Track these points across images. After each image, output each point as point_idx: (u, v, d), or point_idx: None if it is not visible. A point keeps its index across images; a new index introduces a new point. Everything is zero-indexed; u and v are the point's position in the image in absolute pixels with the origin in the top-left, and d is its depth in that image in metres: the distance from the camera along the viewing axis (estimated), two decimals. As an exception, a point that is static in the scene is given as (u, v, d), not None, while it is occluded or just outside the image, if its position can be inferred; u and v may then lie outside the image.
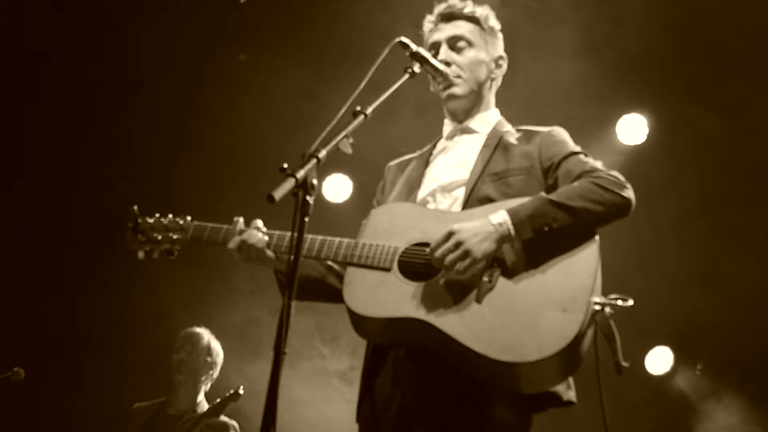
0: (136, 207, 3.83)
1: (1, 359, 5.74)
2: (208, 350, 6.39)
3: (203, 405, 6.27)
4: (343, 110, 3.03)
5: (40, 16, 6.78)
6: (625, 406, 6.46)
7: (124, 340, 7.43)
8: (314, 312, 7.51)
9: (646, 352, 8.05)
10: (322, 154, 2.83)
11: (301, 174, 2.68)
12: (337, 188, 7.83)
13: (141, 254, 3.82)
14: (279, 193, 2.61)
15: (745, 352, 7.74)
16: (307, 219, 2.68)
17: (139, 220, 3.82)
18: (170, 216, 3.83)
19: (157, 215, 3.84)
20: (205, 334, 6.44)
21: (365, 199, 6.52)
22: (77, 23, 6.83)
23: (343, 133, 2.99)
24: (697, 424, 8.13)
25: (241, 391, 5.86)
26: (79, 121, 7.18)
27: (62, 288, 7.45)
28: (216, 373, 6.44)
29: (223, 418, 6.06)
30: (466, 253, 3.16)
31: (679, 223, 7.38)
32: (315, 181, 2.73)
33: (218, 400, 5.92)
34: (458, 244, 3.17)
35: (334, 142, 2.94)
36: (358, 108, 3.10)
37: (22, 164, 7.29)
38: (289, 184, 2.65)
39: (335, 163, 7.25)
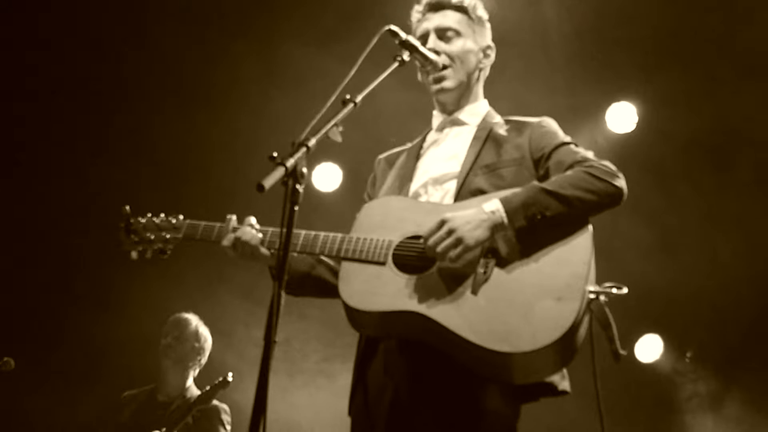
0: (128, 207, 3.82)
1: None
2: (196, 336, 6.39)
3: (192, 390, 6.28)
4: (332, 99, 3.03)
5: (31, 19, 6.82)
6: (616, 393, 6.47)
7: (114, 329, 7.41)
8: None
9: (634, 339, 8.10)
10: (312, 142, 2.82)
11: (290, 163, 2.68)
12: (327, 177, 7.81)
13: (134, 254, 3.81)
14: (269, 182, 2.61)
15: (736, 337, 7.77)
16: (296, 208, 2.68)
17: (131, 220, 3.81)
18: (162, 215, 3.83)
19: (149, 215, 3.84)
20: (193, 320, 6.45)
21: (355, 187, 6.51)
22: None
23: (332, 122, 2.99)
24: (687, 411, 8.15)
25: (230, 378, 5.87)
26: (69, 121, 7.20)
27: (52, 278, 7.46)
28: (204, 359, 6.44)
29: (214, 402, 6.06)
30: (459, 241, 3.16)
31: (669, 211, 7.41)
32: (305, 170, 2.72)
33: (208, 388, 5.93)
34: (450, 232, 3.17)
35: (323, 131, 2.93)
36: (348, 96, 3.10)
37: (17, 163, 7.31)
38: (279, 172, 2.65)
39: (325, 151, 7.24)
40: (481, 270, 3.19)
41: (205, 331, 6.46)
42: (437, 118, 3.85)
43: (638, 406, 7.94)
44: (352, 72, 3.11)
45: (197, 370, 6.41)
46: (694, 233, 7.51)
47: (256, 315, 7.60)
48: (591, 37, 6.85)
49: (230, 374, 5.91)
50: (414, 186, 3.63)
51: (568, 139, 3.58)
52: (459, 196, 3.46)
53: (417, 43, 3.53)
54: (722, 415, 7.99)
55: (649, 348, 8.21)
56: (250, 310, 7.69)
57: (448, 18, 3.75)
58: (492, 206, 3.22)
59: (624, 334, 3.18)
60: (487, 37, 3.87)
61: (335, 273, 3.54)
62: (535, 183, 3.33)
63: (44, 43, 6.89)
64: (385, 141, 4.12)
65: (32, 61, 6.93)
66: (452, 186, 3.52)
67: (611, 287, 3.16)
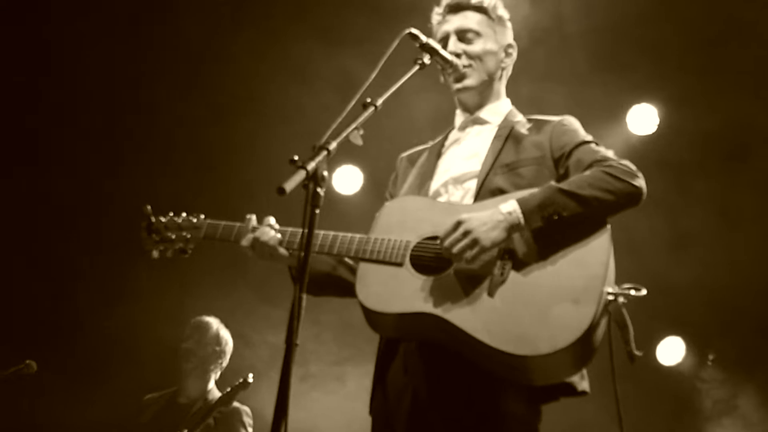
0: (149, 207, 3.83)
1: (13, 352, 5.77)
2: (217, 339, 6.41)
3: (214, 393, 6.29)
4: (353, 102, 3.03)
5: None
6: (637, 395, 6.45)
7: (136, 331, 7.46)
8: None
9: (653, 341, 8.05)
10: (333, 145, 2.82)
11: (311, 166, 2.68)
12: (348, 180, 7.79)
13: (155, 253, 3.82)
14: (289, 185, 2.61)
15: (757, 339, 7.74)
16: (317, 211, 2.68)
17: (153, 220, 3.82)
18: (183, 214, 3.84)
19: (171, 214, 3.85)
20: (214, 323, 6.47)
21: (376, 190, 6.47)
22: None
23: (353, 125, 2.99)
24: (710, 415, 8.11)
25: (251, 380, 5.87)
26: (88, 121, 7.22)
27: (74, 280, 7.50)
28: (225, 362, 6.45)
29: (235, 404, 6.08)
30: (475, 242, 3.16)
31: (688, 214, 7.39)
32: (325, 173, 2.73)
33: (228, 389, 5.94)
34: (467, 233, 3.17)
35: (344, 134, 2.93)
36: (368, 99, 3.10)
37: (34, 162, 7.33)
38: (300, 176, 2.65)
39: (345, 154, 7.23)
40: (497, 272, 3.19)
41: (225, 334, 6.48)
42: (459, 117, 3.85)
43: (657, 408, 7.89)
44: (373, 75, 3.12)
45: (218, 373, 6.42)
46: (714, 233, 7.47)
47: (272, 318, 7.61)
48: (612, 38, 6.82)
49: (250, 375, 5.92)
50: (434, 185, 3.63)
51: (589, 137, 3.57)
52: (479, 195, 3.45)
53: (437, 46, 3.54)
54: (744, 419, 7.94)
55: (671, 350, 8.16)
56: (266, 312, 7.69)
57: (469, 19, 3.75)
58: (509, 207, 3.22)
59: (643, 335, 3.18)
60: (508, 36, 3.87)
61: (355, 272, 3.50)
62: (553, 183, 3.32)
63: (65, 43, 6.91)
64: (407, 142, 4.10)
65: (57, 60, 6.97)
66: (472, 185, 3.52)
67: (630, 289, 3.15)
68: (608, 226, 3.27)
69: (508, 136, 3.62)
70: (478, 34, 3.74)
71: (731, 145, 7.22)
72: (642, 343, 3.17)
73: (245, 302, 7.68)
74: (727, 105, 7.00)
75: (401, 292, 3.25)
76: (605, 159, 3.40)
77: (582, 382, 3.34)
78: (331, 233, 3.48)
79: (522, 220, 3.20)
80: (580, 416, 6.76)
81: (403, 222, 3.44)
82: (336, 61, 6.74)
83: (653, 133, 7.34)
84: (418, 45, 3.48)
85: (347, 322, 7.38)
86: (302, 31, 6.94)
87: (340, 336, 7.89)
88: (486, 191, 3.45)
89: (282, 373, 2.51)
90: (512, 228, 3.20)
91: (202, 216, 3.82)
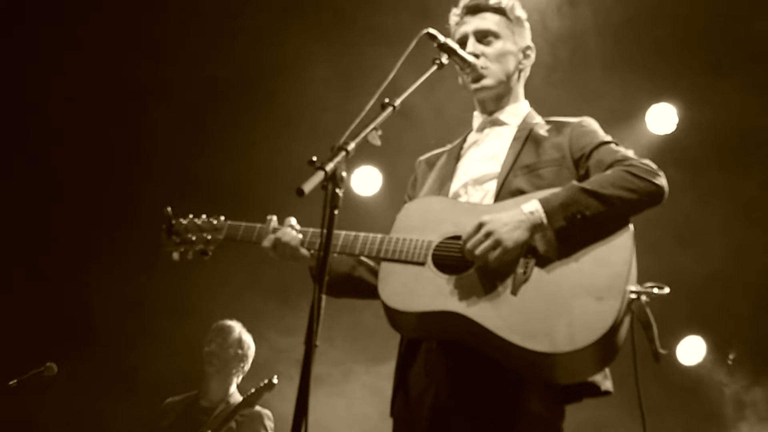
0: (169, 208, 3.84)
1: (34, 354, 5.81)
2: (239, 343, 6.45)
3: (236, 396, 6.33)
4: (371, 102, 3.02)
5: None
6: (657, 395, 6.42)
7: (157, 334, 7.50)
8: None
9: (673, 339, 8.00)
10: (351, 146, 2.82)
11: (330, 167, 2.68)
12: (367, 181, 7.78)
13: (176, 255, 3.83)
14: (308, 186, 2.61)
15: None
16: (336, 212, 2.68)
17: (173, 222, 3.83)
18: (204, 216, 3.84)
19: (191, 216, 3.85)
20: (237, 327, 6.51)
21: (395, 191, 6.46)
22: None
23: (371, 125, 2.98)
24: (730, 415, 8.06)
25: (275, 381, 5.88)
26: (111, 124, 7.26)
27: (95, 284, 7.54)
28: (247, 365, 6.49)
29: (257, 407, 6.10)
30: (497, 243, 3.15)
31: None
32: (344, 174, 2.73)
33: (252, 390, 5.96)
34: (488, 235, 3.16)
35: (362, 135, 2.93)
36: (387, 100, 3.10)
37: (52, 162, 7.39)
38: (318, 177, 2.65)
39: (364, 155, 7.23)
40: (520, 270, 3.18)
41: (248, 339, 6.52)
42: (477, 118, 3.85)
43: (677, 408, 7.86)
44: (391, 75, 3.12)
45: (240, 377, 6.46)
46: (734, 231, 7.44)
47: (285, 320, 7.62)
48: (630, 37, 6.81)
49: (275, 376, 5.93)
50: (454, 186, 3.63)
51: (608, 138, 3.56)
52: (499, 196, 3.45)
53: (455, 46, 3.53)
54: (766, 420, 7.90)
55: (692, 350, 8.12)
56: (271, 313, 7.69)
57: (487, 20, 3.74)
58: (531, 207, 3.21)
59: (662, 334, 3.17)
60: (526, 38, 3.86)
61: (376, 274, 3.52)
62: (575, 183, 3.31)
63: (88, 49, 6.97)
64: (426, 143, 4.11)
65: (78, 66, 7.02)
66: (492, 186, 3.51)
67: (652, 287, 3.14)
68: (630, 225, 3.26)
69: (527, 137, 3.62)
70: (496, 35, 3.73)
71: (749, 142, 7.20)
72: (662, 342, 3.17)
73: (257, 304, 7.69)
74: (746, 103, 6.97)
75: (424, 291, 3.25)
76: (626, 158, 3.40)
77: (605, 381, 3.33)
78: (353, 233, 3.48)
79: (545, 220, 3.19)
80: (600, 416, 6.74)
81: (425, 222, 3.44)
82: (361, 61, 6.73)
83: (672, 132, 7.33)
84: (436, 45, 3.47)
85: (357, 322, 7.38)
86: (324, 31, 6.96)
87: (350, 337, 7.88)
88: (506, 192, 3.45)
89: (302, 374, 2.51)
90: (535, 228, 3.19)
91: (222, 217, 3.83)
